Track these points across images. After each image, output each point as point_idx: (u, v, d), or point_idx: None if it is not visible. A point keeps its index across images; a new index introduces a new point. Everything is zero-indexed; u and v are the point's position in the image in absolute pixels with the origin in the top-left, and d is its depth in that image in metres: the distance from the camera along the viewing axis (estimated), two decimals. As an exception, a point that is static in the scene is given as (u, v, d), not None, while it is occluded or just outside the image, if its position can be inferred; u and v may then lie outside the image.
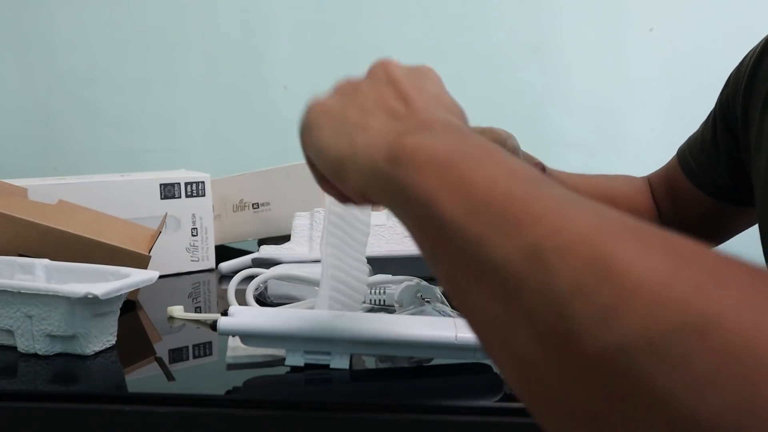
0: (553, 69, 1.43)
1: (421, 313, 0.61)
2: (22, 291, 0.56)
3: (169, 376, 0.57)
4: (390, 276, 0.70)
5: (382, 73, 0.42)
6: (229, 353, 0.57)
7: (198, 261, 0.93)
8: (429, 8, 1.42)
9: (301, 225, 0.88)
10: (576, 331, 0.23)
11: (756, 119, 0.62)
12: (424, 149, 0.33)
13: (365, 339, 0.53)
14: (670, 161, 0.81)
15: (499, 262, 0.27)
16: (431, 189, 0.31)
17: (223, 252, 0.98)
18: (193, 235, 0.93)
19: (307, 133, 0.42)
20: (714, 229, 0.78)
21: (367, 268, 0.59)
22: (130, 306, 0.72)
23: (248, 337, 0.54)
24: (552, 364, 0.24)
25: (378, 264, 0.72)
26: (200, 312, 0.74)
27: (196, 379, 0.58)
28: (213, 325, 0.53)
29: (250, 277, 0.70)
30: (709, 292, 0.22)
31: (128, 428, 0.49)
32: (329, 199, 0.56)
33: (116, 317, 0.60)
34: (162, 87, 1.43)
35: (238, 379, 0.53)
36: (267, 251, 0.85)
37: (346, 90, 0.42)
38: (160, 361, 0.61)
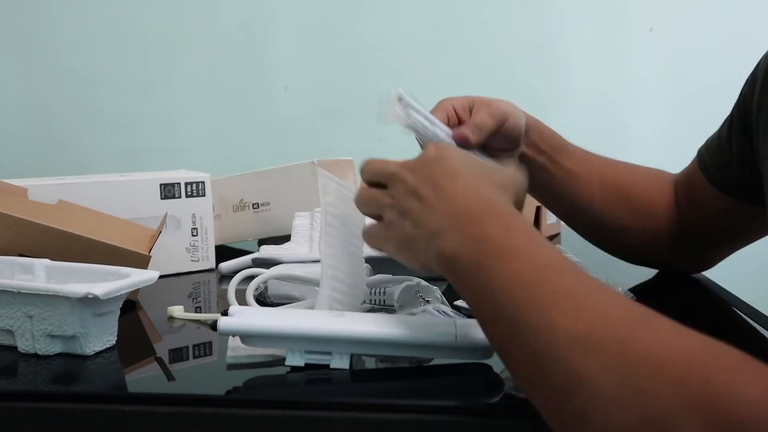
0: (555, 69, 1.43)
1: (421, 313, 0.60)
2: (22, 291, 0.56)
3: (169, 376, 0.57)
4: (390, 276, 0.70)
5: (400, 187, 0.50)
6: (229, 353, 0.57)
7: (198, 261, 0.93)
8: (430, 8, 1.42)
9: (301, 225, 0.88)
10: None
11: None
12: (458, 257, 0.45)
13: (365, 339, 0.53)
14: (692, 161, 0.79)
15: (512, 369, 0.42)
16: (465, 293, 0.45)
17: (223, 252, 0.98)
18: (193, 235, 0.93)
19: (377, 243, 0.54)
20: (732, 229, 0.77)
21: (365, 266, 0.59)
22: (130, 306, 0.72)
23: (248, 337, 0.54)
24: None
25: (378, 264, 0.72)
26: (200, 312, 0.74)
27: (196, 379, 0.58)
28: (213, 325, 0.53)
29: (250, 277, 0.70)
30: None
31: (128, 428, 0.49)
32: (325, 200, 0.56)
33: (116, 317, 0.60)
34: (163, 87, 1.44)
35: (238, 379, 0.53)
36: (267, 251, 0.85)
37: (389, 222, 0.51)
38: (160, 361, 0.61)
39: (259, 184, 1.02)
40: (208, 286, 0.90)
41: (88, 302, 0.55)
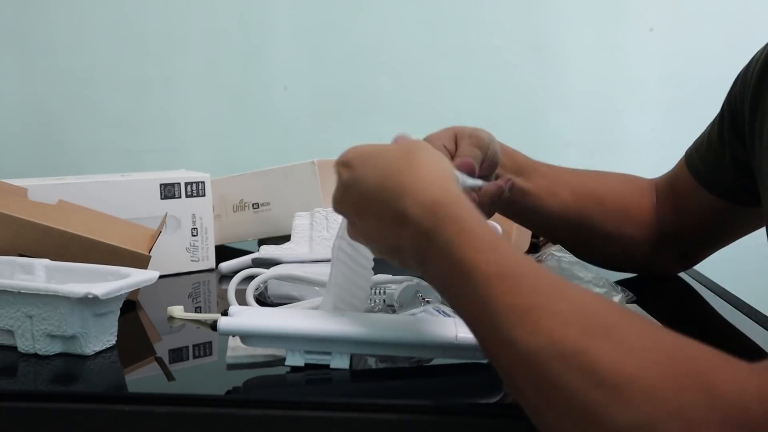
0: (553, 69, 1.43)
1: (421, 313, 0.61)
2: (22, 291, 0.56)
3: (169, 376, 0.57)
4: (390, 276, 0.69)
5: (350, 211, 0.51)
6: (229, 353, 0.57)
7: (198, 261, 0.93)
8: (428, 8, 1.42)
9: (301, 225, 0.88)
10: None
11: (765, 118, 0.61)
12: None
13: (365, 339, 0.53)
14: (677, 163, 0.80)
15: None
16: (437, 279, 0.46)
17: (223, 252, 0.98)
18: (193, 235, 0.93)
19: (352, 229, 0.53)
20: (718, 230, 0.77)
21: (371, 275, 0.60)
22: (130, 306, 0.72)
23: (248, 337, 0.54)
24: None
25: (378, 264, 0.71)
26: (200, 312, 0.74)
27: (196, 379, 0.58)
28: (213, 325, 0.53)
29: (250, 277, 0.70)
30: None
31: (128, 428, 0.49)
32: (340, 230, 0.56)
33: (116, 317, 0.60)
34: (162, 87, 1.44)
35: (238, 379, 0.53)
36: (267, 251, 0.85)
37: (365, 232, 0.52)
38: (160, 361, 0.61)
39: (259, 184, 1.02)
40: (208, 286, 0.90)
41: (88, 302, 0.55)
